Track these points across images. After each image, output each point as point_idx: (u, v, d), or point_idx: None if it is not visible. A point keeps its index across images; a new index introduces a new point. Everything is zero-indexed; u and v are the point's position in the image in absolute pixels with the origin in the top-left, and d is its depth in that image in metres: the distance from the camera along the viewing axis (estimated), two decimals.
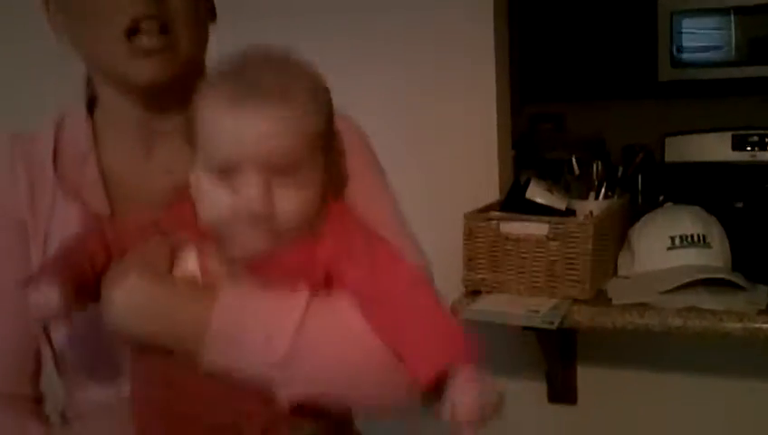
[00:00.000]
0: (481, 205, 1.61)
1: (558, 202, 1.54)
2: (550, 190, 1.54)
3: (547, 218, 1.49)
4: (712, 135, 3.37)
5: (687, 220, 1.54)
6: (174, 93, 0.87)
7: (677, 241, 1.52)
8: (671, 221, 1.56)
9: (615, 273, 1.62)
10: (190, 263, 0.80)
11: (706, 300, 1.43)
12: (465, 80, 1.78)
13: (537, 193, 1.52)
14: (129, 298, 0.78)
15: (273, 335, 0.77)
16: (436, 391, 0.75)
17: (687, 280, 1.44)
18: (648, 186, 2.85)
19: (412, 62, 1.79)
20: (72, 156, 0.92)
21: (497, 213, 1.54)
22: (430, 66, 1.79)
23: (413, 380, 0.76)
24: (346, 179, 0.90)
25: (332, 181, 0.84)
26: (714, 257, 1.51)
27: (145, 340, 0.79)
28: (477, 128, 1.76)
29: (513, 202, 1.55)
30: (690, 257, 1.51)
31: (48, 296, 0.76)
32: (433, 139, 1.79)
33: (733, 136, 3.35)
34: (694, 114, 3.39)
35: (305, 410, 0.79)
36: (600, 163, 1.66)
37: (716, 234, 1.54)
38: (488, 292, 1.54)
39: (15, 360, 0.92)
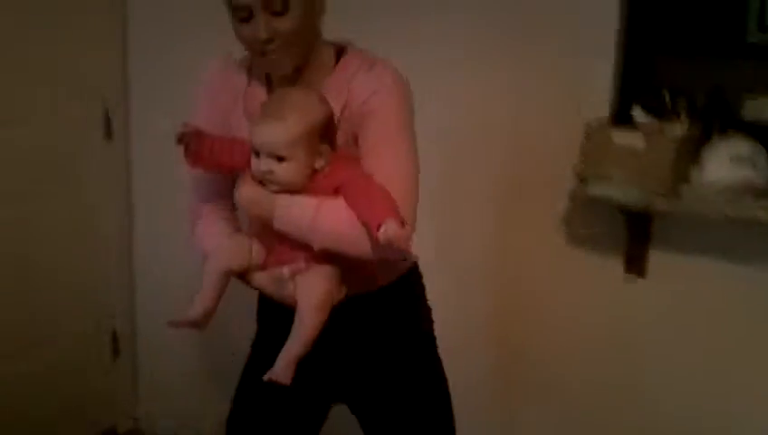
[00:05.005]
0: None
1: (653, 124, 2.17)
2: (648, 115, 2.18)
3: (644, 134, 2.13)
4: None
5: (742, 146, 2.16)
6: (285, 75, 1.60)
7: (735, 160, 2.15)
8: (731, 147, 2.18)
9: (688, 180, 2.21)
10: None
11: (749, 199, 2.06)
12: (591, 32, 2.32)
13: (639, 115, 2.17)
14: (243, 194, 1.55)
15: (305, 211, 1.49)
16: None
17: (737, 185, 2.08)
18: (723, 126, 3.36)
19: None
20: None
21: (609, 125, 2.20)
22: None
23: (370, 229, 1.44)
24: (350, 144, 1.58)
25: (326, 153, 1.51)
26: (757, 175, 2.13)
27: (252, 214, 1.56)
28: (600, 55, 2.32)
29: (621, 118, 2.20)
30: (741, 173, 2.13)
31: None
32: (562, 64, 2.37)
33: None
34: None
35: (325, 256, 1.52)
36: (684, 99, 2.27)
37: (763, 159, 2.16)
38: (595, 181, 2.19)
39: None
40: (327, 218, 1.49)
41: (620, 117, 2.21)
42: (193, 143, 1.56)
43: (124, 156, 3.11)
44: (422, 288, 1.87)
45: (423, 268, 1.87)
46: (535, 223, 2.46)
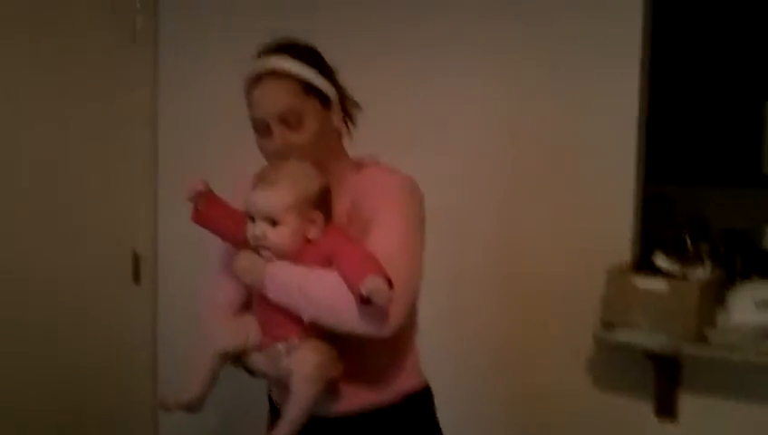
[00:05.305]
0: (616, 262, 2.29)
1: (675, 269, 2.19)
2: (670, 260, 2.20)
3: (667, 279, 2.16)
4: None
5: (765, 290, 2.17)
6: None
7: (759, 304, 2.16)
8: (755, 290, 2.20)
9: (713, 324, 2.22)
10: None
11: None
12: (607, 168, 2.38)
13: (661, 261, 2.19)
14: (238, 262, 1.56)
15: (294, 277, 1.50)
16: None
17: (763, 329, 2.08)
18: (746, 266, 3.37)
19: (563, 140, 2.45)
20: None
21: (632, 272, 2.22)
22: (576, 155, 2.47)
23: (353, 292, 1.42)
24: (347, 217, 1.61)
25: (319, 221, 1.53)
26: None
27: (245, 282, 1.57)
28: (620, 201, 2.38)
29: (643, 265, 2.22)
30: (766, 317, 2.14)
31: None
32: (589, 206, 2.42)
33: None
34: None
35: (319, 332, 1.51)
36: (707, 245, 2.30)
37: None
38: (620, 327, 2.21)
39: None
40: (315, 285, 1.50)
41: (642, 263, 2.24)
42: (202, 204, 1.62)
43: (151, 299, 3.15)
44: (432, 411, 1.80)
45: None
46: (561, 367, 2.45)
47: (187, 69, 3.06)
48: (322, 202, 1.55)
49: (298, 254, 1.53)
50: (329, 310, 1.49)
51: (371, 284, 1.39)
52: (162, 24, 3.09)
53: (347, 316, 1.47)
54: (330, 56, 1.68)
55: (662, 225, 3.13)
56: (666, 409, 2.32)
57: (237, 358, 1.60)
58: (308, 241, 1.53)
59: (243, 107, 1.64)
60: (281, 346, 1.54)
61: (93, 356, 2.98)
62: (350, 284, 1.44)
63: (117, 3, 2.98)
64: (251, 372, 1.62)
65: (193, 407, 1.56)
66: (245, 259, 1.56)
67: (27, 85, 2.70)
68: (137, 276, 3.11)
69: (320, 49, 1.67)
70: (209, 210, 1.63)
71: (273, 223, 1.51)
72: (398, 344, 1.61)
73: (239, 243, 1.60)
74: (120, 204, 3.05)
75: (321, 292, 1.49)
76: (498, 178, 2.53)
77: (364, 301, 1.41)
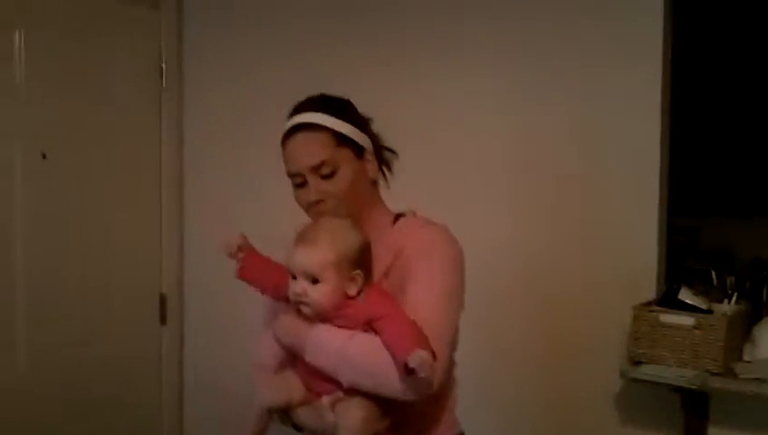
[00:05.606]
0: (641, 299, 2.28)
1: (701, 303, 2.19)
2: (696, 295, 2.20)
3: (693, 314, 2.15)
4: None
5: None
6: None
7: None
8: None
9: (740, 358, 2.22)
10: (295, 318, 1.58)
11: None
12: (631, 200, 2.38)
13: (687, 296, 2.18)
14: (280, 323, 1.58)
15: (334, 341, 1.51)
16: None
17: None
18: None
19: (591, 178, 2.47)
20: None
21: (657, 307, 2.22)
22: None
23: (397, 362, 1.44)
24: (384, 275, 1.61)
25: (358, 279, 1.53)
26: None
27: (288, 347, 1.58)
28: (644, 237, 2.38)
29: (668, 300, 2.22)
30: None
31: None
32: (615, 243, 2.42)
33: None
34: None
35: (359, 391, 1.50)
36: (733, 278, 2.29)
37: None
38: (647, 362, 2.20)
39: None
40: (356, 349, 1.50)
41: (668, 296, 2.23)
42: (243, 260, 1.64)
43: (177, 340, 3.17)
44: None
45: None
46: (588, 404, 2.44)
47: (212, 113, 3.11)
48: (362, 259, 1.56)
49: (337, 311, 1.53)
50: (370, 377, 1.51)
51: (418, 358, 1.41)
52: (187, 73, 3.15)
53: (388, 383, 1.49)
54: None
55: (687, 257, 3.12)
56: None
57: (284, 413, 1.61)
58: (348, 298, 1.54)
59: (268, 148, 1.68)
60: (326, 400, 1.55)
61: (121, 396, 3.00)
62: (395, 354, 1.46)
63: (143, 52, 3.06)
64: (297, 427, 1.63)
65: None
66: (287, 321, 1.58)
67: (57, 140, 2.78)
68: (163, 317, 3.14)
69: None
70: (252, 265, 1.65)
71: (314, 280, 1.52)
72: (435, 398, 1.61)
73: (281, 297, 1.61)
74: (147, 246, 3.09)
75: (364, 356, 1.50)
76: (514, 209, 2.55)
77: (408, 372, 1.43)
